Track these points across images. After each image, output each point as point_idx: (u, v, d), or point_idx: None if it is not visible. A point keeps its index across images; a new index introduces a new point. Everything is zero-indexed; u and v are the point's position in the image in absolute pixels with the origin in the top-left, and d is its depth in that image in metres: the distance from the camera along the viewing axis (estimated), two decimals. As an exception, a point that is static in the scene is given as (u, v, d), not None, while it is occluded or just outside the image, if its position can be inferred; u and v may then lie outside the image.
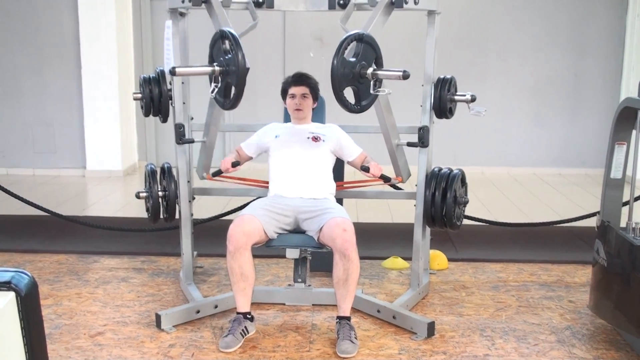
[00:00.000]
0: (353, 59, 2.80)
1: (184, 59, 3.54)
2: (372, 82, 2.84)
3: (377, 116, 3.36)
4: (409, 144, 3.45)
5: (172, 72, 2.86)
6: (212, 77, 2.83)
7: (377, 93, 2.88)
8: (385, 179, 3.40)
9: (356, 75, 2.80)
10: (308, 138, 3.43)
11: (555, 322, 3.38)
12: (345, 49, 2.78)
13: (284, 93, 3.53)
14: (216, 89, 2.82)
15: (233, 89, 2.80)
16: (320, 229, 3.11)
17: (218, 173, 3.51)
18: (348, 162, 3.55)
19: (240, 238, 3.05)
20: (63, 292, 3.73)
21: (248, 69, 2.72)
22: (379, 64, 2.87)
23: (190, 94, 3.65)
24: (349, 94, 2.86)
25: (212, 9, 3.06)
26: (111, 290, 3.78)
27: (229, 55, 2.76)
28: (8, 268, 1.12)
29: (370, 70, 2.81)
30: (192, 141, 3.54)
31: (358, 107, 2.89)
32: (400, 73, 2.74)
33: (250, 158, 3.58)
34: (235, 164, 3.34)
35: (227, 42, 2.76)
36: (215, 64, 2.80)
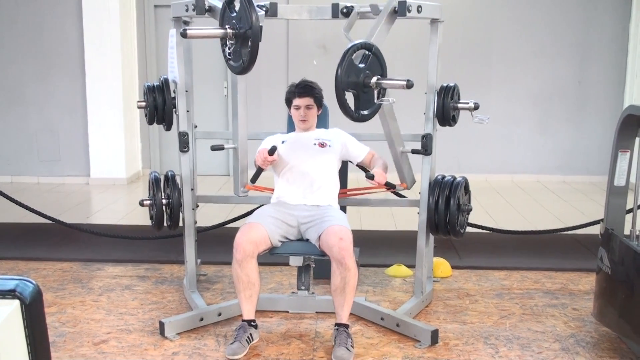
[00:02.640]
0: (361, 65, 2.79)
1: (188, 67, 3.55)
2: (375, 92, 2.85)
3: (382, 124, 3.36)
4: (414, 151, 3.44)
5: (184, 35, 2.71)
6: (225, 40, 2.75)
7: (382, 102, 2.89)
8: (390, 186, 3.37)
9: (360, 84, 2.81)
10: (314, 144, 3.43)
11: (559, 330, 3.37)
12: (352, 56, 2.77)
13: (289, 102, 3.53)
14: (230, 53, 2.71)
15: (247, 51, 2.68)
16: (319, 237, 3.12)
17: (256, 175, 3.32)
18: (357, 164, 3.55)
19: (248, 247, 3.06)
20: (67, 300, 3.74)
21: (261, 27, 2.63)
22: (384, 75, 2.87)
23: (194, 102, 3.65)
24: (352, 103, 2.85)
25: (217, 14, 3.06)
26: (115, 298, 3.79)
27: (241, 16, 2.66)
28: (13, 276, 1.13)
29: (374, 80, 2.82)
30: (222, 148, 3.34)
31: (361, 116, 2.88)
32: (404, 82, 2.75)
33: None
34: (272, 151, 3.22)
35: (238, 2, 2.67)
36: (227, 26, 2.72)
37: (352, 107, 2.85)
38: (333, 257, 3.04)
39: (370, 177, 3.23)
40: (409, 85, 2.74)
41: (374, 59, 2.84)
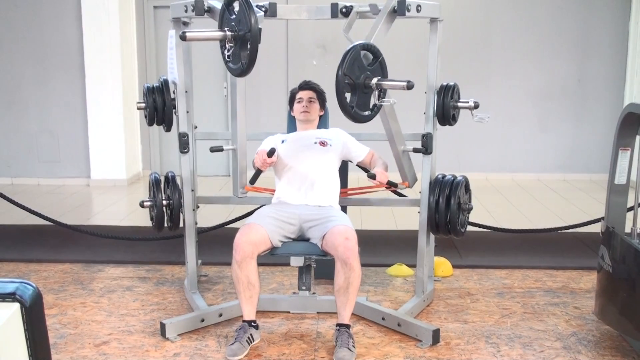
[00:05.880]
0: (362, 66, 2.78)
1: (187, 67, 3.55)
2: (376, 92, 2.84)
3: (383, 123, 3.35)
4: (415, 150, 3.43)
5: (183, 37, 2.71)
6: (224, 42, 2.75)
7: (382, 103, 2.88)
8: (392, 184, 3.35)
9: (360, 85, 2.80)
10: (315, 143, 3.43)
11: (560, 329, 3.37)
12: (352, 57, 2.76)
13: (292, 100, 3.57)
14: (229, 55, 2.72)
15: (246, 53, 2.68)
16: (323, 237, 3.11)
17: (255, 176, 3.31)
18: (357, 164, 3.55)
19: (247, 247, 3.05)
20: (68, 302, 3.74)
21: (260, 29, 2.63)
22: (384, 76, 2.86)
23: (193, 103, 3.65)
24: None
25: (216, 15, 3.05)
26: (116, 299, 3.79)
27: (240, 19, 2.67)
28: (13, 279, 1.12)
29: (374, 81, 2.81)
30: (221, 149, 3.34)
31: (362, 117, 2.87)
32: (405, 84, 2.74)
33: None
34: (270, 153, 3.22)
35: (237, 4, 2.68)
36: (226, 28, 2.73)
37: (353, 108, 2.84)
38: (338, 257, 3.03)
39: (372, 176, 3.23)
40: (410, 86, 2.74)
41: (375, 60, 2.83)
